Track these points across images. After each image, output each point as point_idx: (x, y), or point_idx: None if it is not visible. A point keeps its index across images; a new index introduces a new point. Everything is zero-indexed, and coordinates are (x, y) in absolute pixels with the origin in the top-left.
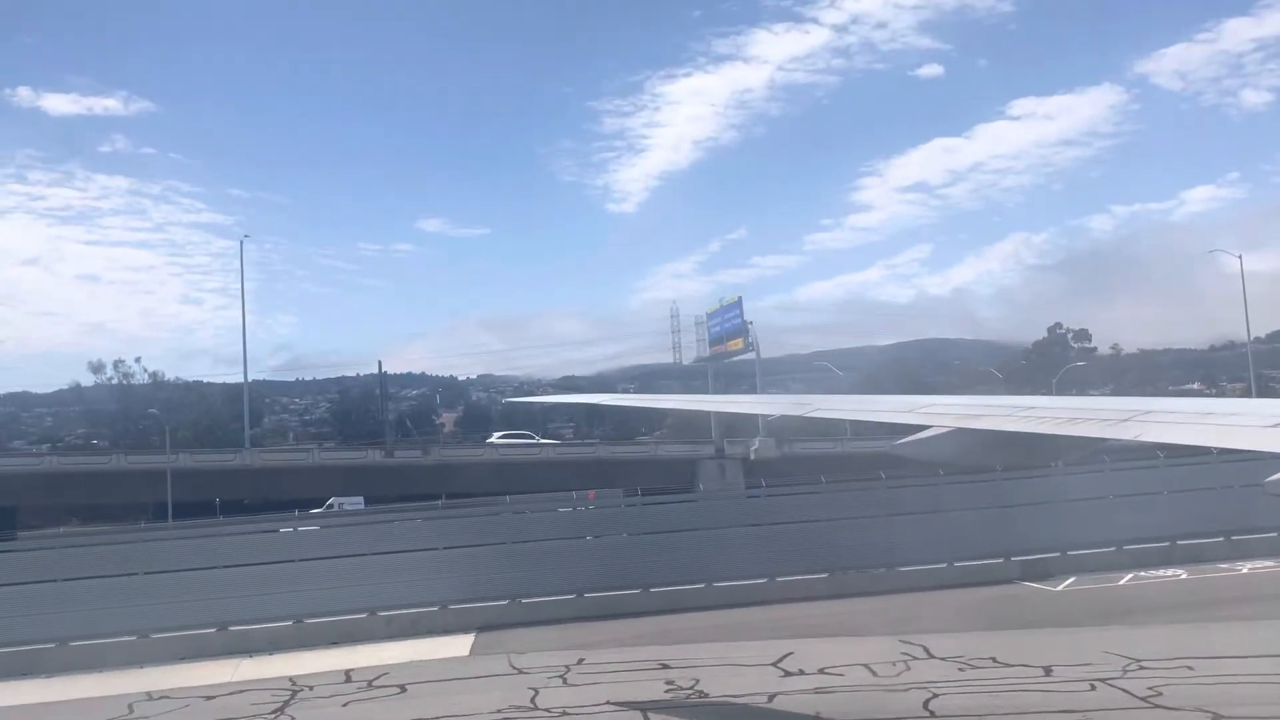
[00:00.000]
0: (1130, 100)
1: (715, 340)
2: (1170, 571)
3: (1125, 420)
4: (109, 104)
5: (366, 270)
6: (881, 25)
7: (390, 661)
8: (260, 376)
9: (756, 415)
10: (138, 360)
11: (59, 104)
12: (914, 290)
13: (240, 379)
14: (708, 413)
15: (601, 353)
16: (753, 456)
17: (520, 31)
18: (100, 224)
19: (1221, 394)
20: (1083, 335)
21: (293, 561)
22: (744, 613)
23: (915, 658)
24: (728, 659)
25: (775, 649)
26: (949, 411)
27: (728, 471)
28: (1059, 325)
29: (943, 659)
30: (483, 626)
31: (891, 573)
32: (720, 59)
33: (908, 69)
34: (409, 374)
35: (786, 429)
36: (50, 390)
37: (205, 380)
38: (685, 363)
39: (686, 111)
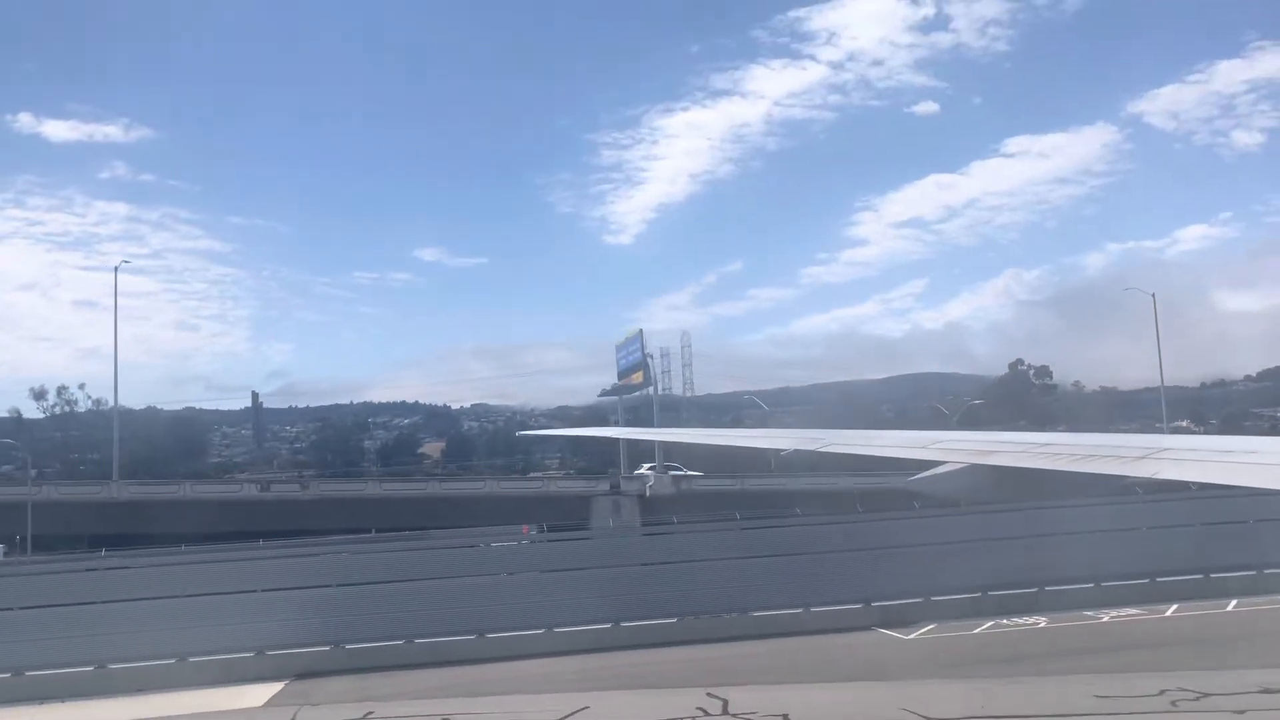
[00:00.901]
0: (1124, 139)
1: (623, 373)
2: (1032, 619)
3: (1142, 458)
4: (109, 130)
5: (363, 298)
6: (878, 63)
7: (177, 712)
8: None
9: (767, 450)
10: (81, 387)
11: (59, 130)
12: (909, 325)
13: (234, 405)
14: (723, 447)
15: (595, 383)
16: (648, 493)
17: (520, 64)
18: (98, 250)
19: (1209, 431)
20: (1044, 372)
21: (99, 603)
22: (570, 661)
23: (709, 713)
24: (515, 714)
25: (569, 703)
26: (963, 448)
27: (623, 508)
28: (1020, 361)
29: (734, 715)
30: (301, 673)
31: (743, 618)
32: (718, 94)
33: (903, 106)
34: (401, 402)
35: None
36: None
37: (159, 407)
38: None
39: (684, 145)
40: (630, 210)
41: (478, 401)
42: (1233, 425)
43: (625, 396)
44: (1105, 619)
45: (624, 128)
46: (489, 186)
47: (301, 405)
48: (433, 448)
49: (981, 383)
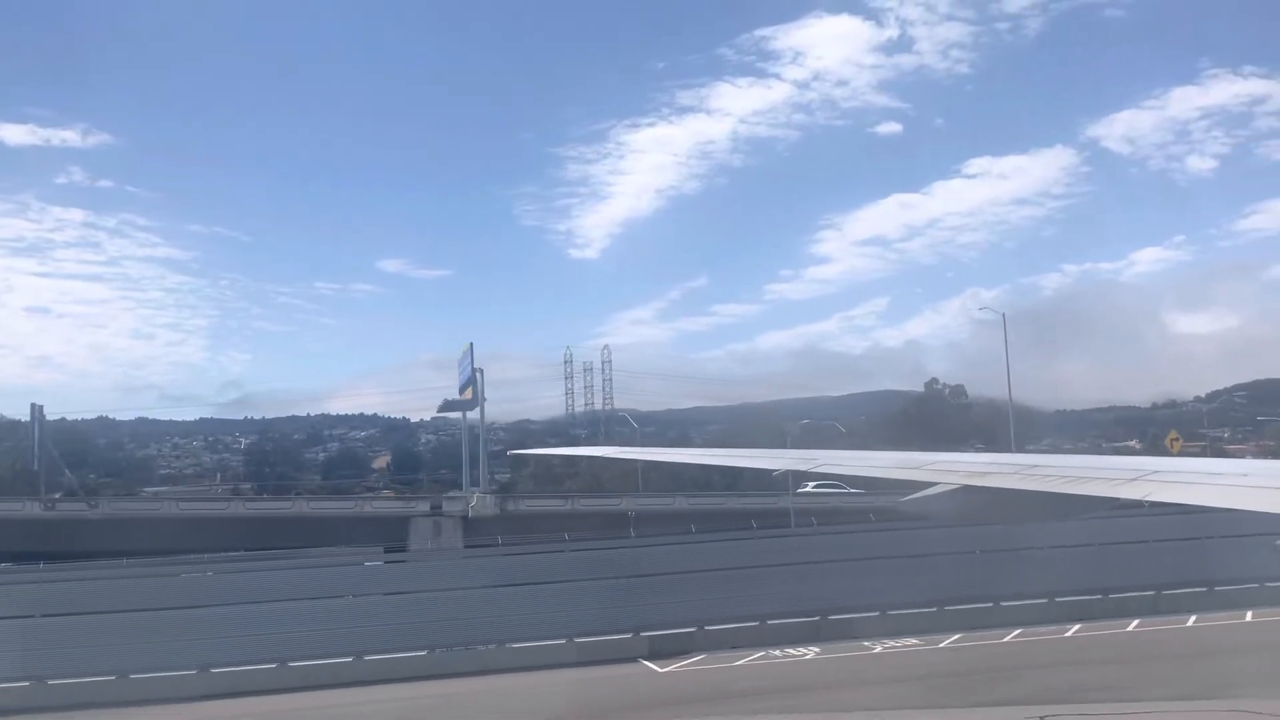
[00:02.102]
0: (1082, 162)
1: (462, 387)
2: (803, 650)
3: (1134, 480)
4: (67, 135)
5: (325, 309)
6: (842, 83)
7: None
8: (206, 414)
9: (760, 470)
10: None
11: (16, 134)
12: (870, 342)
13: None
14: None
15: (557, 398)
16: (470, 514)
17: (485, 77)
18: (53, 256)
19: (1161, 452)
20: (959, 391)
21: None
22: (309, 697)
23: None
24: None
25: None
26: (955, 469)
27: (444, 530)
28: (935, 380)
29: None
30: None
31: (501, 650)
32: (684, 110)
33: (867, 126)
34: (360, 414)
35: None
36: None
37: (111, 417)
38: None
39: (650, 160)
40: (596, 224)
41: (438, 415)
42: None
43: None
44: (877, 650)
45: (590, 142)
46: (454, 198)
47: (257, 416)
48: (385, 461)
49: (938, 399)
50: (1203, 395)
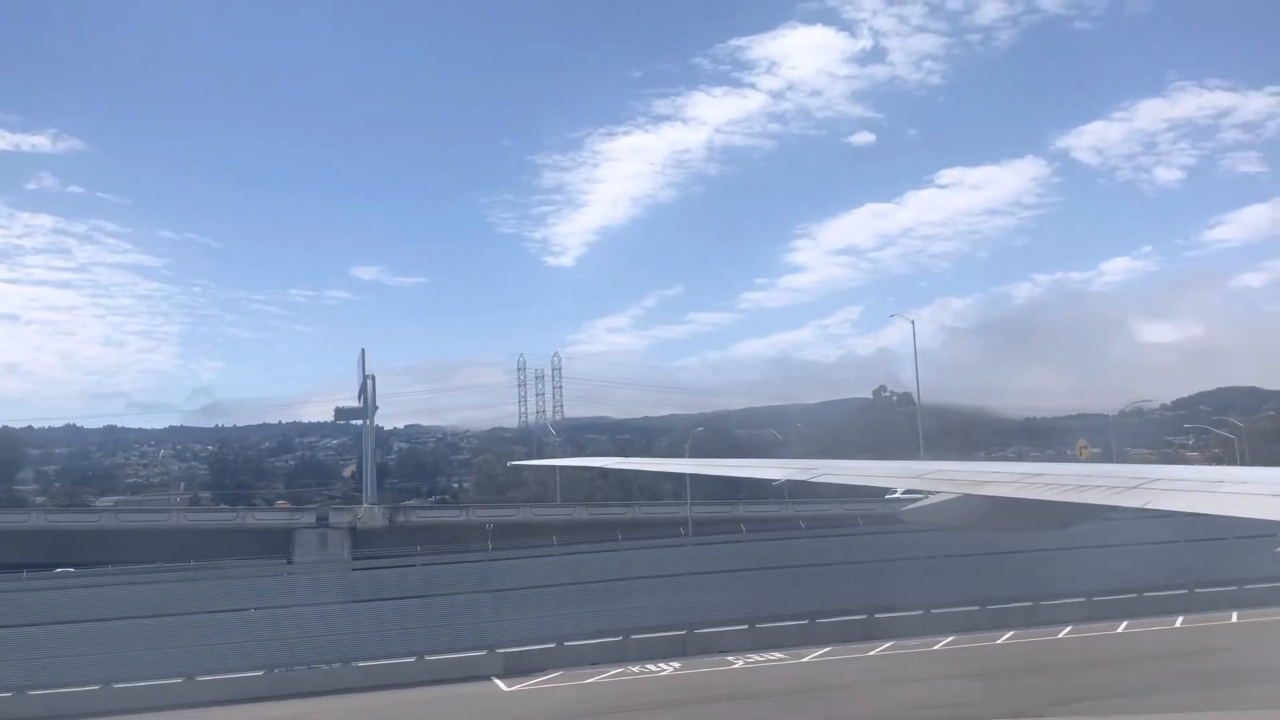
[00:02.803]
0: (1052, 173)
1: (359, 394)
2: (664, 665)
3: (1133, 488)
4: (37, 141)
5: (298, 316)
6: (816, 93)
7: None
8: (176, 423)
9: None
10: None
11: None
12: (843, 351)
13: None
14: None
15: (531, 406)
16: (358, 526)
17: (461, 85)
18: (22, 262)
19: (1126, 460)
20: (906, 399)
21: None
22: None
23: None
24: None
25: None
26: (955, 478)
27: (330, 542)
28: (884, 388)
29: None
30: None
31: (348, 669)
32: (659, 119)
33: (841, 136)
34: (331, 422)
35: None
36: None
37: (79, 425)
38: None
39: (626, 169)
40: (571, 232)
41: (411, 422)
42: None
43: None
44: (739, 665)
45: (566, 150)
46: (429, 205)
47: (228, 424)
48: (353, 470)
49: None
50: (1169, 403)
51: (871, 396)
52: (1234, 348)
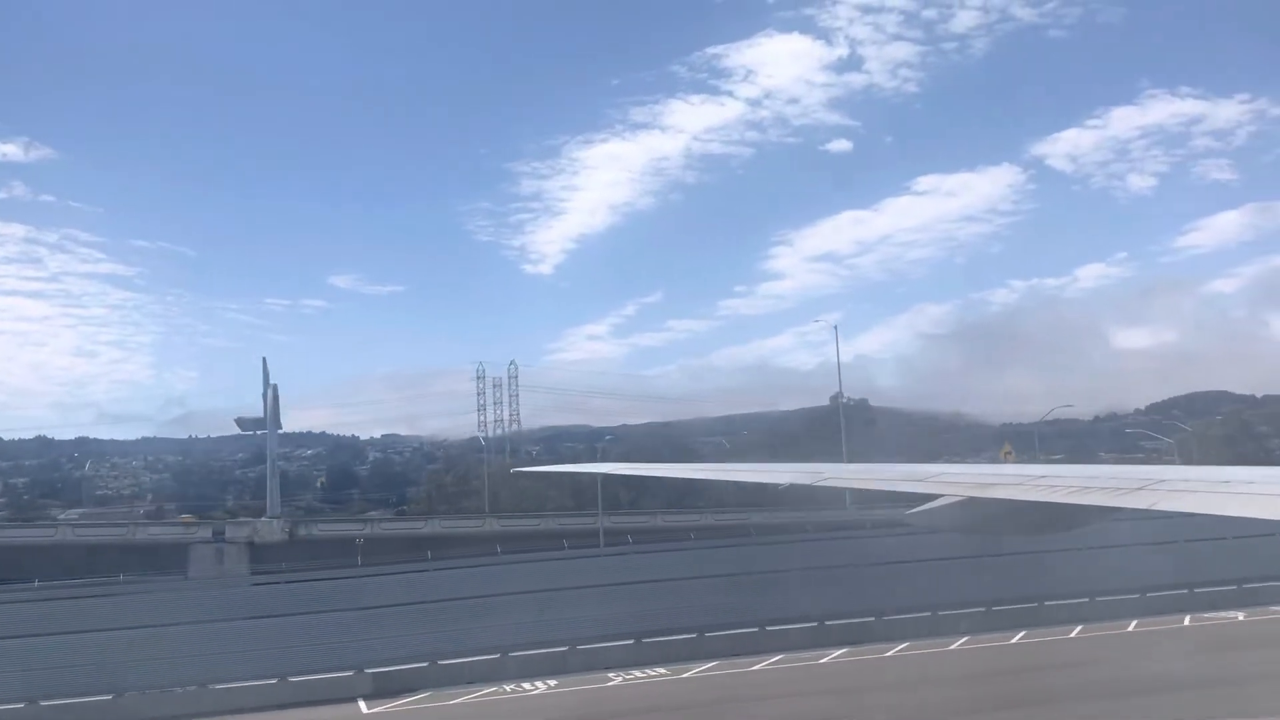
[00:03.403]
0: (1027, 180)
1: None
2: (540, 684)
3: (1139, 489)
4: (8, 149)
5: (274, 326)
6: (794, 101)
7: None
8: (149, 433)
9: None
10: None
11: None
12: (821, 357)
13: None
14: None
15: (508, 414)
16: (256, 540)
17: (438, 92)
18: None
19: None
20: (863, 405)
21: None
22: None
23: None
24: None
25: None
26: (960, 481)
27: (227, 557)
28: (840, 394)
29: None
30: None
31: (204, 691)
32: (637, 127)
33: (818, 143)
34: (307, 432)
35: None
36: None
37: (50, 436)
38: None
39: (604, 176)
40: (550, 240)
41: (388, 432)
42: (1119, 456)
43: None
44: (617, 681)
45: (544, 158)
46: (407, 213)
47: (202, 435)
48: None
49: (888, 415)
50: (1142, 408)
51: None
52: (1205, 353)
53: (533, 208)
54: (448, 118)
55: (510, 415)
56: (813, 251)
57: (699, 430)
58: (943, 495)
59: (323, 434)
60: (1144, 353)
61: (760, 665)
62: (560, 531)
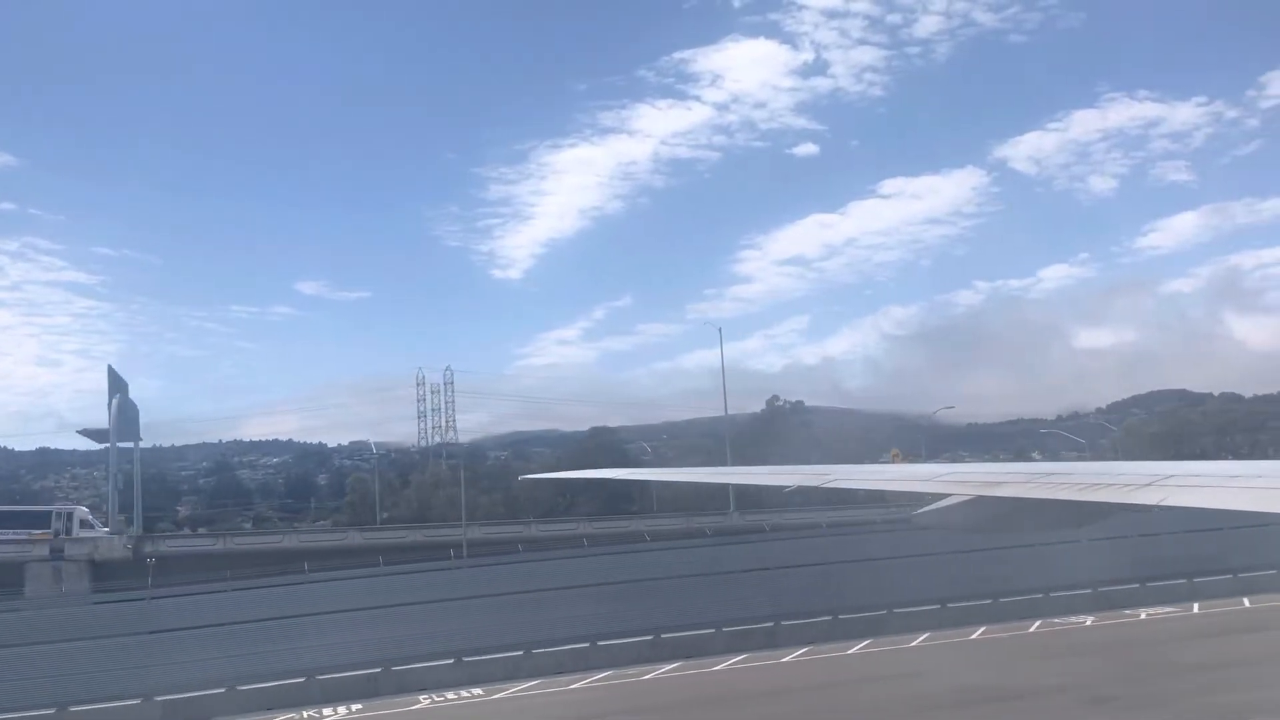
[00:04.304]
0: (991, 183)
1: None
2: (345, 708)
3: (1148, 485)
4: None
5: (240, 333)
6: (760, 105)
7: None
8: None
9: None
10: None
11: None
12: (790, 360)
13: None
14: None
15: (476, 420)
16: (97, 558)
17: (405, 97)
18: None
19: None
20: (799, 408)
21: None
22: None
23: None
24: None
25: None
26: (969, 480)
27: (67, 575)
28: (776, 398)
29: None
30: None
31: None
32: (605, 131)
33: (785, 147)
34: (274, 440)
35: None
36: None
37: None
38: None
39: (572, 181)
40: (519, 245)
41: (356, 439)
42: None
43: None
44: (424, 704)
45: (512, 163)
46: (374, 219)
47: (166, 444)
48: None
49: (854, 416)
50: (1104, 407)
51: (836, 404)
52: (1165, 352)
53: (501, 213)
54: (415, 122)
55: (447, 422)
56: (781, 255)
57: (644, 435)
58: (952, 494)
59: (289, 441)
60: (1105, 352)
61: (583, 684)
62: (435, 543)
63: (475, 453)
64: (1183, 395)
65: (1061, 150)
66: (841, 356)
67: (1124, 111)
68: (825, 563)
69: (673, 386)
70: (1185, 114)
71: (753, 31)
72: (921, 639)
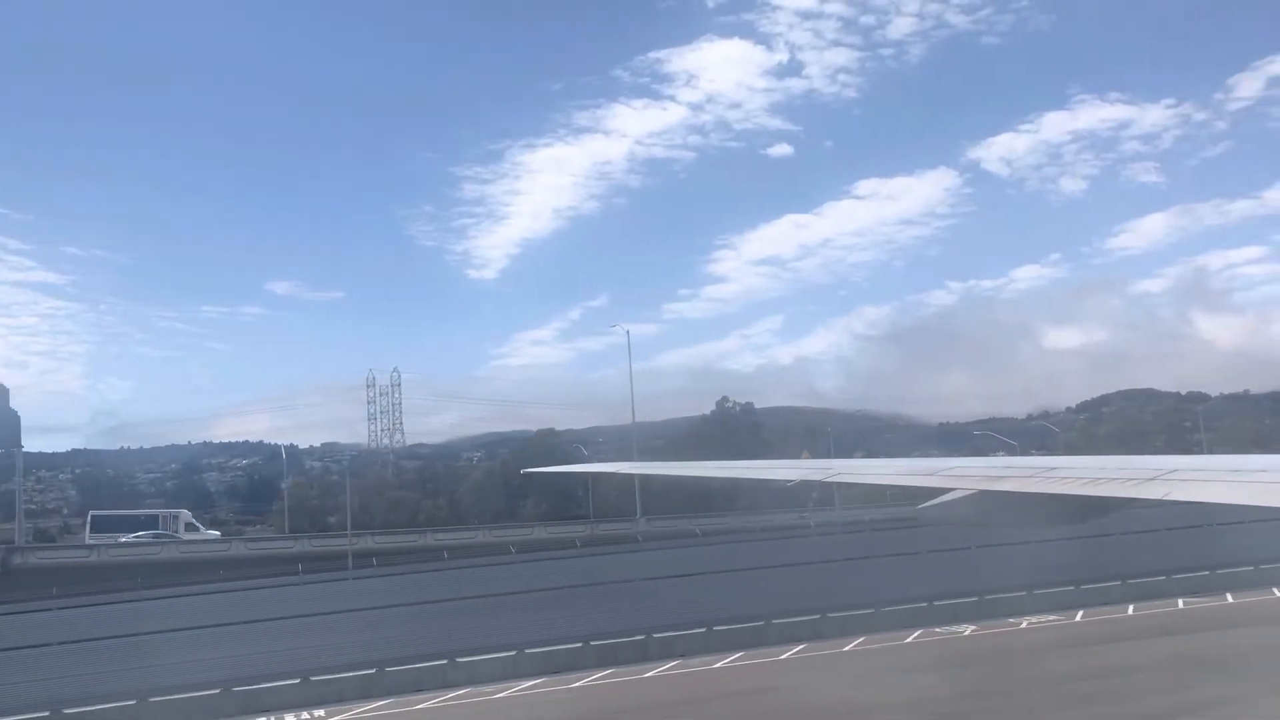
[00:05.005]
0: (964, 184)
1: None
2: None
3: (1151, 479)
4: None
5: (211, 333)
6: (735, 105)
7: None
8: (79, 445)
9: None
10: None
11: None
12: (765, 360)
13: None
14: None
15: (448, 421)
16: None
17: (380, 96)
18: None
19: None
20: (749, 409)
21: None
22: None
23: None
24: None
25: None
26: (971, 474)
27: None
28: (726, 399)
29: None
30: None
31: None
32: (580, 131)
33: (760, 148)
34: (244, 442)
35: None
36: None
37: None
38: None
39: (547, 181)
40: (494, 245)
41: (328, 440)
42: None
43: None
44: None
45: (487, 162)
46: (346, 218)
47: (134, 446)
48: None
49: (828, 416)
50: (1074, 406)
51: (811, 404)
52: (1134, 351)
53: (476, 212)
54: (389, 122)
55: (394, 424)
56: (756, 255)
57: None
58: (954, 489)
59: (259, 443)
60: (1076, 352)
61: (505, 694)
62: (328, 553)
63: (448, 453)
64: (1151, 394)
65: (1033, 151)
66: (816, 357)
67: (1095, 113)
68: (705, 572)
69: (650, 386)
70: (1155, 116)
71: (727, 32)
72: (795, 651)
